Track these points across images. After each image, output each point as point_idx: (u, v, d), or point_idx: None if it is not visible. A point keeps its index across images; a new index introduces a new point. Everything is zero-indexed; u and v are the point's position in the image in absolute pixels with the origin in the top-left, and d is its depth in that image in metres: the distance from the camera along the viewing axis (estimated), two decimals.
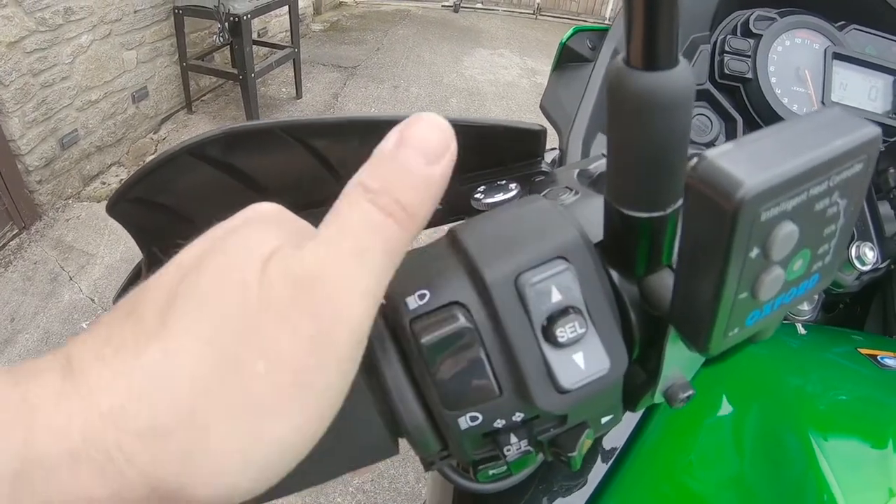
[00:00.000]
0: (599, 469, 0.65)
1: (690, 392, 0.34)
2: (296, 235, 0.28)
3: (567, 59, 1.00)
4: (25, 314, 2.80)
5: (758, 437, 0.58)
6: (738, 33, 0.97)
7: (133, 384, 0.23)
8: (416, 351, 0.29)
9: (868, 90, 0.95)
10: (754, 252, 0.25)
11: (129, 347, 0.24)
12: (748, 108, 0.96)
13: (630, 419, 0.67)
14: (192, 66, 4.31)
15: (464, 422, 0.29)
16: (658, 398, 0.34)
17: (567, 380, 0.28)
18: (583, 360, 0.28)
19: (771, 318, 0.29)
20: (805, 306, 0.89)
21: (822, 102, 0.92)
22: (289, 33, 4.85)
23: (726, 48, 0.95)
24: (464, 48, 6.53)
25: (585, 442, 0.32)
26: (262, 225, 0.29)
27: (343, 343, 0.25)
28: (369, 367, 0.30)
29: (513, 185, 0.49)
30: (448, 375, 0.28)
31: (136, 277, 0.53)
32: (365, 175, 0.28)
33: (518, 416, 0.30)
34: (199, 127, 4.34)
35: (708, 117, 0.96)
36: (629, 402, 0.35)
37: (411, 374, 0.30)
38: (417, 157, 0.28)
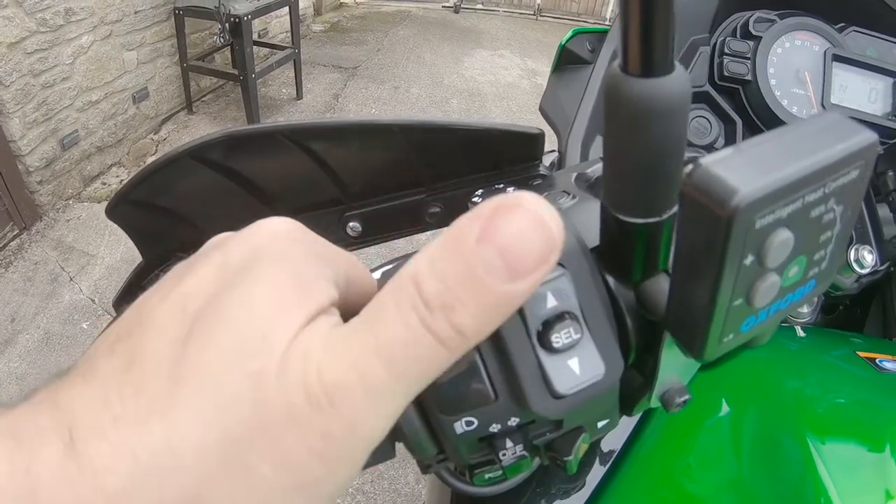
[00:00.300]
0: (597, 472, 0.65)
1: (687, 397, 0.34)
2: (315, 275, 0.26)
3: (566, 61, 0.99)
4: (26, 315, 2.80)
5: (756, 440, 0.58)
6: (738, 35, 0.96)
7: (138, 466, 0.21)
8: None
9: (868, 92, 0.94)
10: (749, 259, 0.25)
11: (131, 419, 0.22)
12: (748, 110, 0.95)
13: (628, 422, 0.67)
14: (193, 67, 4.31)
15: (459, 426, 0.29)
16: (654, 403, 0.34)
17: (562, 385, 0.28)
18: (578, 365, 0.28)
19: (767, 324, 0.29)
20: (804, 309, 0.89)
21: (822, 104, 0.91)
22: (289, 34, 4.85)
23: (726, 50, 0.95)
24: (464, 49, 6.53)
25: (581, 446, 0.32)
26: (276, 272, 0.25)
27: (357, 455, 0.24)
28: None
29: (510, 189, 0.49)
30: (443, 380, 0.28)
31: (136, 280, 0.53)
32: (424, 270, 0.23)
33: (513, 421, 0.30)
34: (199, 127, 4.34)
35: (707, 119, 0.95)
36: (625, 407, 0.35)
37: None
38: (500, 269, 0.22)
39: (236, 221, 0.29)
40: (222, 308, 0.24)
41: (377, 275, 0.33)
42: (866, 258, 0.72)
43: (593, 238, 0.32)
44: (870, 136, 0.26)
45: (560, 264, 0.30)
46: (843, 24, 0.98)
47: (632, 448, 0.65)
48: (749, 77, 0.93)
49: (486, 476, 0.33)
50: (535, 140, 0.49)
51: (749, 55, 0.94)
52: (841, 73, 0.94)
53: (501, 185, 0.50)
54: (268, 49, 4.85)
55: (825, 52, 0.93)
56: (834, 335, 0.84)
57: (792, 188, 0.24)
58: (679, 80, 0.26)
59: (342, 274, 0.28)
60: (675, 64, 0.26)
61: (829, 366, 0.70)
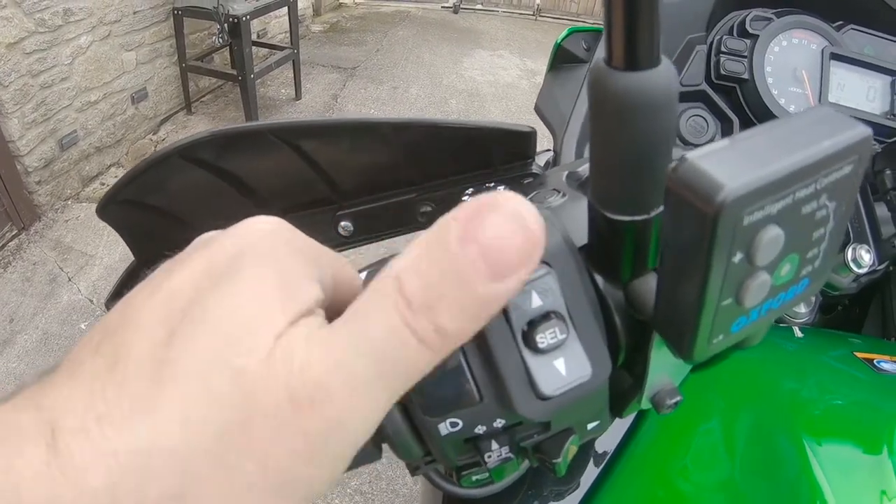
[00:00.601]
0: (591, 473, 0.64)
1: (678, 398, 0.34)
2: (300, 275, 0.26)
3: (562, 59, 0.99)
4: (24, 315, 2.80)
5: (751, 442, 0.57)
6: (735, 34, 0.96)
7: (120, 465, 0.21)
8: None
9: (866, 90, 0.94)
10: (738, 257, 0.24)
11: (114, 418, 0.22)
12: (745, 109, 0.95)
13: (622, 422, 0.66)
14: (192, 67, 4.32)
15: (444, 428, 0.29)
16: (645, 404, 0.34)
17: (547, 386, 0.28)
18: (564, 366, 0.28)
19: (758, 325, 0.28)
20: (802, 308, 0.89)
21: (819, 103, 0.90)
22: (288, 34, 4.86)
23: (723, 49, 0.94)
24: (463, 49, 6.53)
25: (570, 448, 0.31)
26: (262, 271, 0.25)
27: (339, 456, 0.24)
28: None
29: (501, 188, 0.49)
30: (428, 381, 0.27)
31: (127, 280, 0.53)
32: (406, 269, 0.23)
33: (499, 423, 0.29)
34: (198, 128, 4.34)
35: (704, 118, 0.94)
36: (616, 408, 0.34)
37: None
38: (481, 269, 0.22)
39: (227, 220, 0.29)
40: (207, 307, 0.23)
41: (363, 275, 0.33)
42: (864, 258, 0.71)
43: (582, 236, 0.32)
44: (863, 131, 0.25)
45: (546, 263, 0.29)
46: (841, 23, 0.97)
47: (626, 449, 0.64)
48: (746, 76, 0.93)
49: (474, 478, 0.33)
50: (527, 138, 0.48)
51: (746, 54, 0.93)
52: (839, 72, 0.93)
53: (492, 184, 0.49)
54: (267, 49, 4.85)
55: (823, 51, 0.93)
56: (832, 336, 0.83)
57: (781, 183, 0.23)
58: (665, 74, 0.25)
59: (328, 273, 0.28)
60: (662, 57, 0.25)
61: (826, 367, 0.69)
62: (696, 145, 0.89)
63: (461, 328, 0.23)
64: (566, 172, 0.43)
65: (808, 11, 0.96)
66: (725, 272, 0.24)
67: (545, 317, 0.28)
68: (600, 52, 0.87)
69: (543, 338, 0.27)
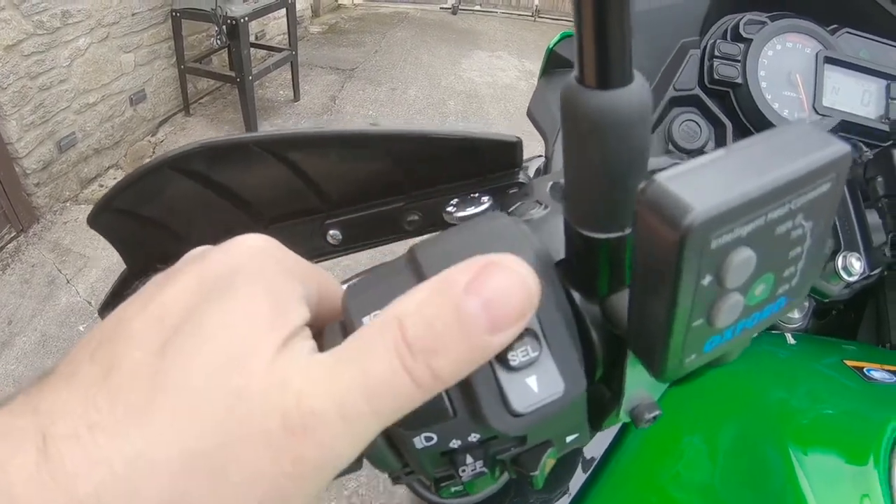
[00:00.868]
0: (579, 479, 0.65)
1: (657, 413, 0.34)
2: (289, 294, 0.27)
3: (555, 64, 0.98)
4: (23, 317, 2.80)
5: (738, 451, 0.57)
6: (729, 38, 0.95)
7: (112, 473, 0.22)
8: None
9: (861, 94, 0.93)
10: (707, 279, 0.24)
11: (107, 426, 0.22)
12: (738, 113, 0.94)
13: (609, 430, 0.67)
14: (190, 69, 4.32)
15: (419, 441, 0.29)
16: (624, 418, 0.34)
17: (520, 403, 0.28)
18: (536, 383, 0.28)
19: (733, 344, 0.28)
20: (795, 314, 0.88)
21: (814, 107, 0.90)
22: (286, 36, 4.86)
23: (716, 53, 0.93)
24: (462, 50, 6.54)
25: (548, 461, 0.32)
26: (253, 290, 0.26)
27: (324, 476, 0.24)
28: None
29: (485, 199, 0.49)
30: None
31: (119, 289, 0.53)
32: (410, 312, 0.24)
33: (474, 437, 0.30)
34: (196, 129, 4.35)
35: (697, 123, 0.93)
36: (595, 421, 0.34)
37: None
38: (482, 322, 0.24)
39: (218, 230, 0.29)
40: (200, 323, 0.24)
41: (345, 286, 0.33)
42: (854, 266, 0.69)
43: (561, 250, 0.32)
44: (841, 148, 0.25)
45: None
46: (835, 26, 0.96)
47: (613, 455, 0.65)
48: (739, 80, 0.92)
49: (452, 489, 0.33)
50: (513, 148, 0.48)
51: (739, 58, 0.92)
52: (833, 76, 0.93)
53: (476, 195, 0.50)
54: (265, 51, 4.86)
55: (817, 55, 0.92)
56: (823, 343, 0.83)
57: (752, 206, 0.23)
58: (637, 92, 0.25)
59: (314, 291, 0.30)
60: (635, 74, 0.26)
61: (816, 375, 0.69)
62: (690, 150, 0.90)
63: (454, 373, 0.24)
64: (550, 183, 0.43)
65: (802, 15, 0.95)
66: (695, 294, 0.24)
67: (518, 335, 0.28)
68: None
69: (515, 355, 0.28)
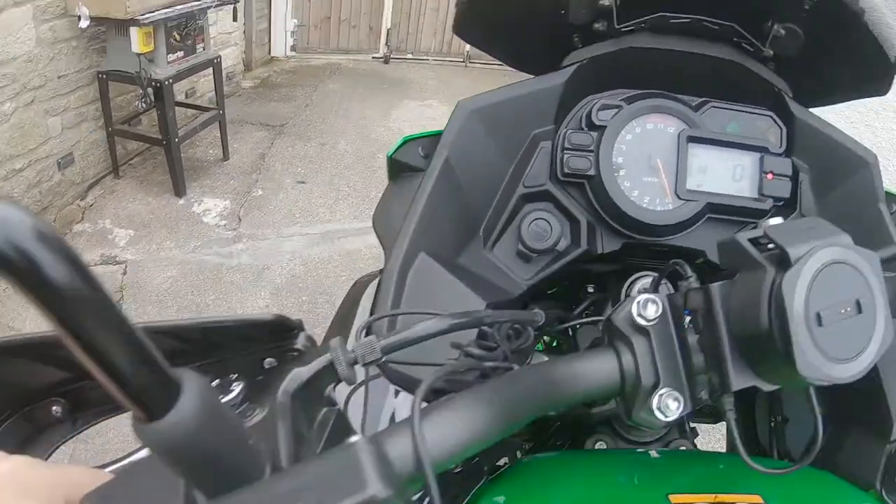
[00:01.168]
0: None
1: None
2: None
3: (398, 170, 0.95)
4: None
5: None
6: (583, 125, 0.91)
7: None
8: None
9: (732, 170, 0.89)
10: None
11: None
12: (595, 206, 0.90)
13: None
14: (118, 132, 4.32)
15: None
16: None
17: None
18: None
19: None
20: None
21: (676, 192, 0.87)
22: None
23: (567, 144, 0.88)
24: (392, 100, 6.66)
25: None
26: None
27: None
28: None
29: (235, 386, 0.54)
30: None
31: None
32: None
33: None
34: (126, 192, 4.35)
35: (547, 221, 0.89)
36: None
37: None
38: None
39: None
40: None
41: (108, 470, 0.39)
42: (670, 406, 0.58)
43: None
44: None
45: None
46: (703, 100, 0.92)
47: None
48: (592, 172, 0.88)
49: None
50: (271, 325, 0.53)
51: (592, 148, 0.88)
52: (700, 154, 0.89)
53: (229, 377, 0.55)
54: (195, 110, 4.89)
55: (679, 135, 0.88)
56: (685, 457, 0.83)
57: None
58: (178, 419, 0.28)
59: (61, 497, 0.33)
60: (181, 398, 0.28)
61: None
62: (540, 251, 0.88)
63: None
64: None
65: (666, 91, 0.91)
66: None
67: None
68: (439, 161, 0.84)
69: None
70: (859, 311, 0.51)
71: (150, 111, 4.56)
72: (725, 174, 0.89)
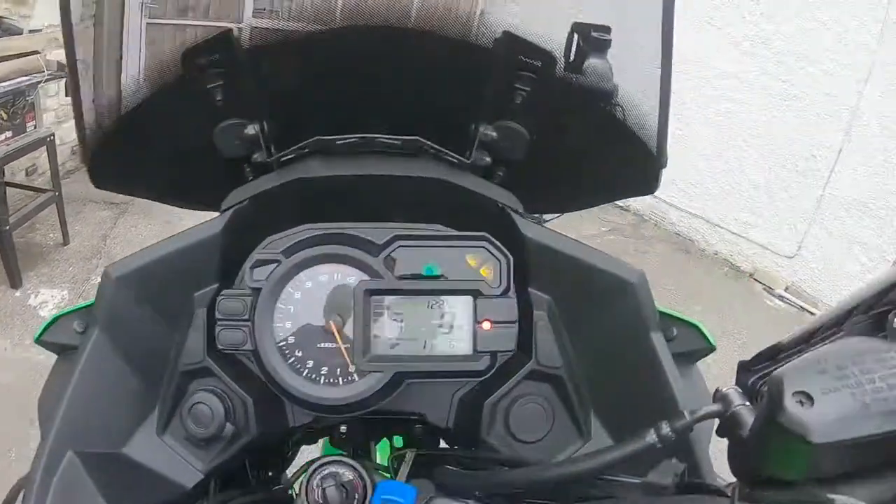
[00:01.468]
0: None
1: None
2: None
3: (55, 351, 0.80)
4: None
5: None
6: (236, 285, 0.77)
7: None
8: None
9: (438, 319, 0.72)
10: None
11: None
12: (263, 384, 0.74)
13: None
14: None
15: None
16: None
17: None
18: None
19: None
20: None
21: (364, 355, 0.71)
22: (61, 168, 4.57)
23: (217, 314, 0.73)
24: None
25: None
26: None
27: None
28: None
29: None
30: None
31: None
32: None
33: None
34: None
35: (207, 404, 0.72)
36: None
37: None
38: None
39: None
40: None
41: None
42: None
43: None
44: None
45: None
46: (392, 237, 0.75)
47: None
48: (249, 346, 0.73)
49: None
50: None
51: (246, 316, 0.73)
52: (389, 309, 0.72)
53: None
54: (33, 191, 4.57)
55: (354, 289, 0.71)
56: None
57: None
58: None
59: None
60: None
61: None
62: (204, 438, 0.73)
63: None
64: None
65: (357, 224, 0.76)
66: None
67: None
68: (99, 333, 0.69)
69: None
70: None
71: None
72: (425, 331, 0.72)
